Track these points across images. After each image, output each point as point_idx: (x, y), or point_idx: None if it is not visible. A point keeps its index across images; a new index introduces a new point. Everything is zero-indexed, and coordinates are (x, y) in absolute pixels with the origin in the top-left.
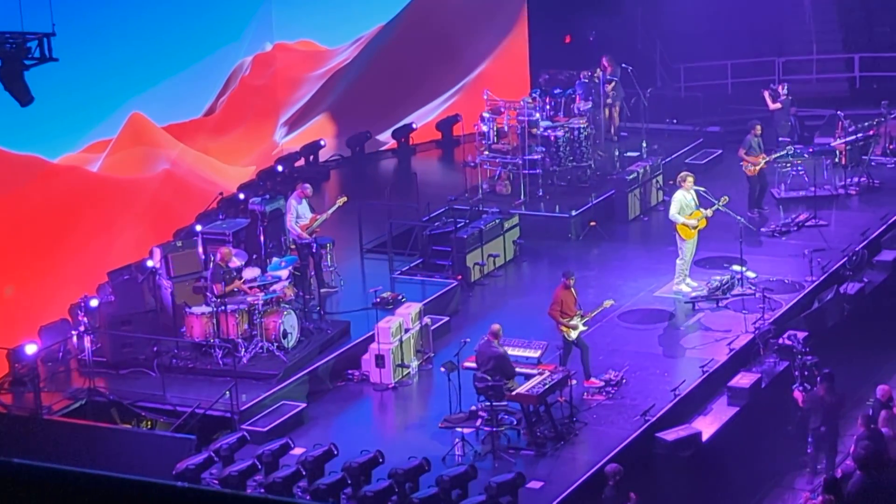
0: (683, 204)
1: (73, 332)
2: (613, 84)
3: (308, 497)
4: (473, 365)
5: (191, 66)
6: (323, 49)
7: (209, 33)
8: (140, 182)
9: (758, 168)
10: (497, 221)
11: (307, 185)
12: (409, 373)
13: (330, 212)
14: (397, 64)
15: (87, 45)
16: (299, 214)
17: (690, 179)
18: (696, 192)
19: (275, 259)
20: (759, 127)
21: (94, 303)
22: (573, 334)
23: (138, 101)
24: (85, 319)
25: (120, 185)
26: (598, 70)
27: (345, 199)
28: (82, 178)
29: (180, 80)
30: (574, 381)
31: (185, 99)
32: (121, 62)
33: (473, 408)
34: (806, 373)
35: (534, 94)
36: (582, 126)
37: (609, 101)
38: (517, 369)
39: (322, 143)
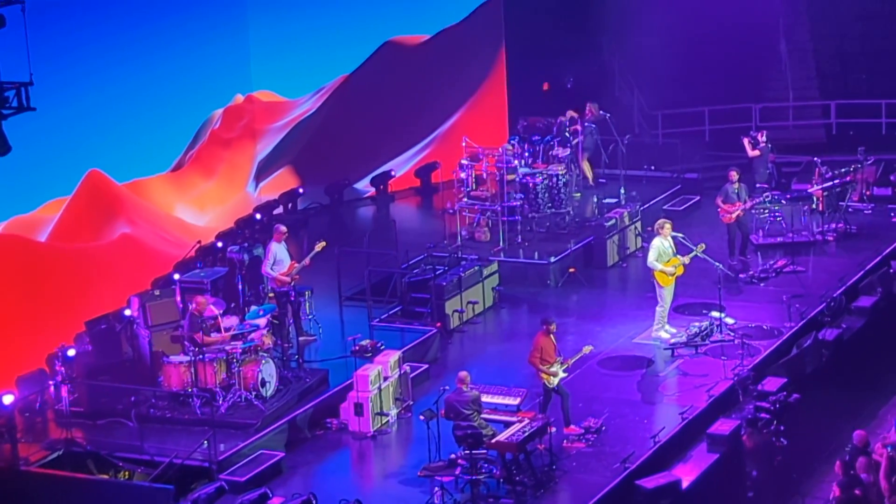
0: (661, 251)
1: (51, 383)
2: (586, 130)
3: None
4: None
5: (158, 119)
6: (283, 100)
7: (178, 87)
8: (92, 251)
9: (734, 215)
10: (476, 268)
11: (282, 227)
12: (388, 421)
13: (309, 257)
14: (375, 112)
15: (46, 98)
16: (277, 259)
17: (668, 226)
18: (675, 238)
19: (253, 307)
20: (734, 174)
21: (71, 352)
22: (553, 381)
23: (99, 157)
24: (62, 369)
25: (71, 255)
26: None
27: (324, 243)
28: (27, 248)
29: (146, 134)
30: (554, 429)
31: (152, 153)
32: (83, 116)
33: (453, 456)
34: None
35: (512, 141)
36: (560, 172)
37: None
38: (496, 417)
39: (300, 190)
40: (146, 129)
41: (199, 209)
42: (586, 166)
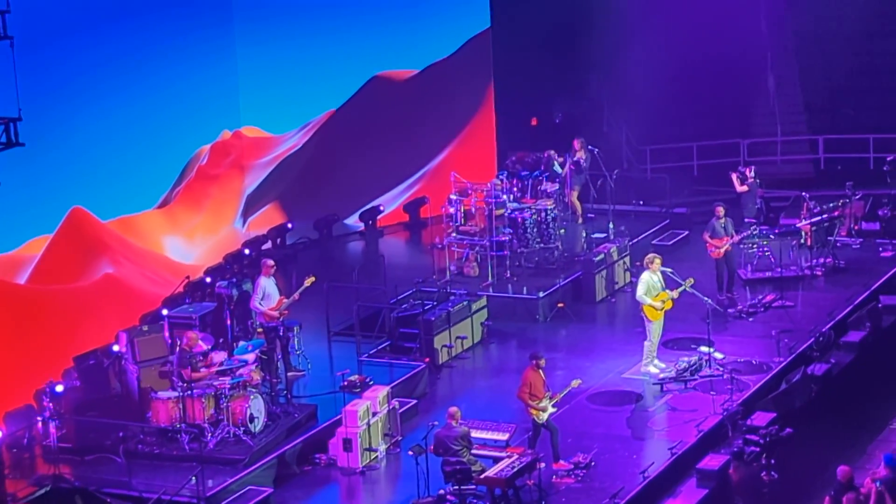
0: (650, 285)
1: (39, 418)
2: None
3: None
4: None
5: (145, 155)
6: (269, 136)
7: (165, 122)
8: (74, 292)
9: (722, 250)
10: (465, 303)
11: (270, 261)
12: (376, 456)
13: (298, 292)
14: (363, 147)
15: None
16: (266, 294)
17: (657, 261)
18: (663, 273)
19: (241, 343)
20: (720, 209)
21: (59, 388)
22: (543, 416)
23: (83, 194)
24: (50, 405)
25: (52, 296)
26: (554, 152)
27: (313, 278)
28: (7, 290)
29: (132, 171)
30: (543, 464)
31: (138, 190)
32: (67, 152)
33: (441, 492)
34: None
35: (501, 176)
36: (549, 207)
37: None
38: (485, 452)
39: (289, 225)
40: (132, 166)
41: (187, 246)
42: (576, 201)
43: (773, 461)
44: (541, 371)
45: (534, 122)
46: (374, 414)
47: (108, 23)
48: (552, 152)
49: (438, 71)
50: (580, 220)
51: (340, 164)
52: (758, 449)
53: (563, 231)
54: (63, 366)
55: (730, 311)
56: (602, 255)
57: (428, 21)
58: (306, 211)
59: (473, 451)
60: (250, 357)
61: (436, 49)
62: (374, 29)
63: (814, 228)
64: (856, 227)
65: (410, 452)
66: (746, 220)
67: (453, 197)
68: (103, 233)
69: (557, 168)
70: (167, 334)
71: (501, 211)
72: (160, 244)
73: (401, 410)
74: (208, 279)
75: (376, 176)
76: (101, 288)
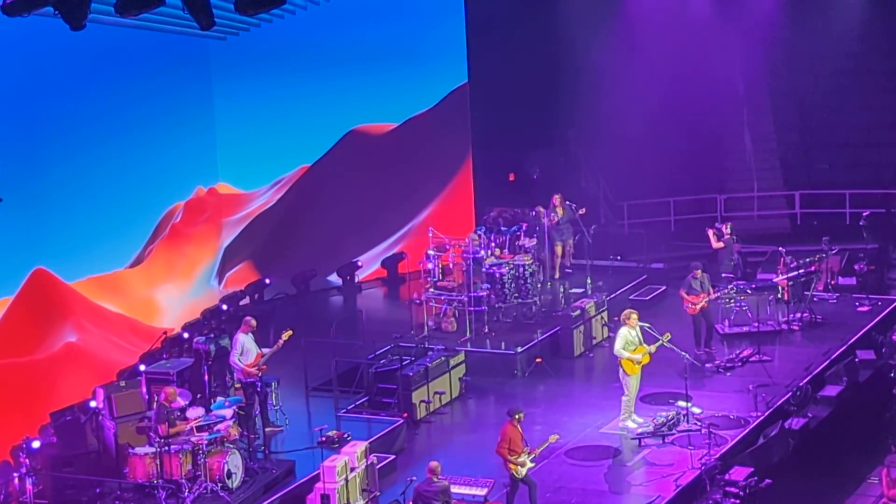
0: (628, 340)
1: (15, 475)
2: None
3: None
4: None
5: (117, 213)
6: (241, 192)
7: (138, 180)
8: (32, 365)
9: (698, 307)
10: (443, 359)
11: (251, 318)
12: None
13: (277, 346)
14: (339, 202)
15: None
16: (245, 349)
17: (635, 316)
18: (641, 328)
19: (219, 398)
20: (698, 272)
21: (35, 444)
22: (521, 471)
23: (49, 254)
24: (27, 461)
25: (8, 369)
26: (541, 209)
27: (290, 332)
28: None
29: (102, 230)
30: None
31: (108, 250)
32: (32, 210)
33: None
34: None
35: (479, 231)
36: (527, 263)
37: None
38: None
39: (266, 281)
40: (104, 224)
41: (160, 305)
42: (556, 256)
43: None
44: (518, 426)
45: (511, 178)
46: (353, 469)
47: (84, 78)
48: (540, 208)
49: (416, 125)
50: (557, 275)
51: (317, 219)
52: (737, 501)
53: (549, 284)
54: (40, 422)
55: (707, 365)
56: (579, 311)
57: (405, 75)
58: (283, 267)
59: None
60: (228, 413)
61: (413, 103)
62: (350, 83)
63: (791, 283)
64: (832, 282)
65: None
66: (724, 275)
67: (431, 252)
68: (67, 295)
69: (554, 215)
70: (144, 390)
71: (479, 266)
72: (132, 304)
73: (379, 466)
74: (186, 335)
75: (352, 231)
76: (63, 358)
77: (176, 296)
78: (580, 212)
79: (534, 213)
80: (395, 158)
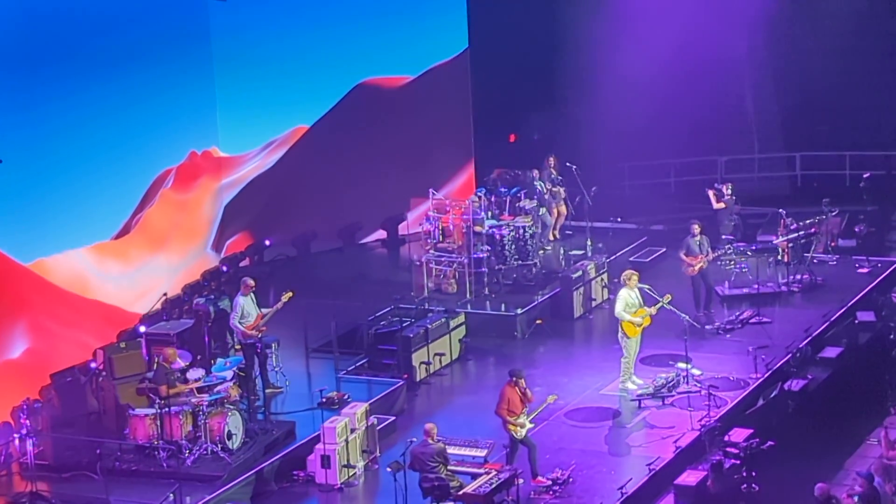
0: (628, 302)
1: (16, 436)
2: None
3: None
4: None
5: (99, 180)
6: (232, 156)
7: (125, 143)
8: None
9: (697, 268)
10: (443, 320)
11: (250, 280)
12: (355, 473)
13: (276, 307)
14: (341, 164)
15: None
16: (245, 312)
17: (635, 278)
18: (641, 290)
19: (219, 360)
20: (696, 227)
21: (37, 405)
22: (521, 433)
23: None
24: (27, 422)
25: None
26: (536, 171)
27: (291, 294)
28: None
29: (82, 199)
30: (521, 480)
31: (93, 220)
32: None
33: None
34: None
35: (479, 193)
36: (527, 224)
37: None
38: (464, 469)
39: (266, 242)
40: (85, 192)
41: (149, 279)
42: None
43: (753, 474)
44: (518, 388)
45: (512, 139)
46: (353, 430)
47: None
48: (536, 172)
49: (418, 86)
50: (553, 237)
51: (316, 181)
52: (738, 462)
53: (547, 250)
54: (41, 383)
55: (707, 327)
56: (580, 272)
57: (408, 35)
58: (283, 228)
59: (452, 468)
60: (228, 374)
61: (417, 62)
62: (358, 37)
63: (791, 245)
64: (832, 244)
65: (389, 469)
66: (724, 236)
67: (431, 214)
68: (24, 281)
69: (539, 186)
70: (145, 351)
71: (480, 228)
72: (115, 281)
73: (379, 427)
74: (186, 296)
75: (353, 192)
76: (20, 370)
77: (165, 268)
78: (574, 169)
79: (533, 174)
80: (396, 119)
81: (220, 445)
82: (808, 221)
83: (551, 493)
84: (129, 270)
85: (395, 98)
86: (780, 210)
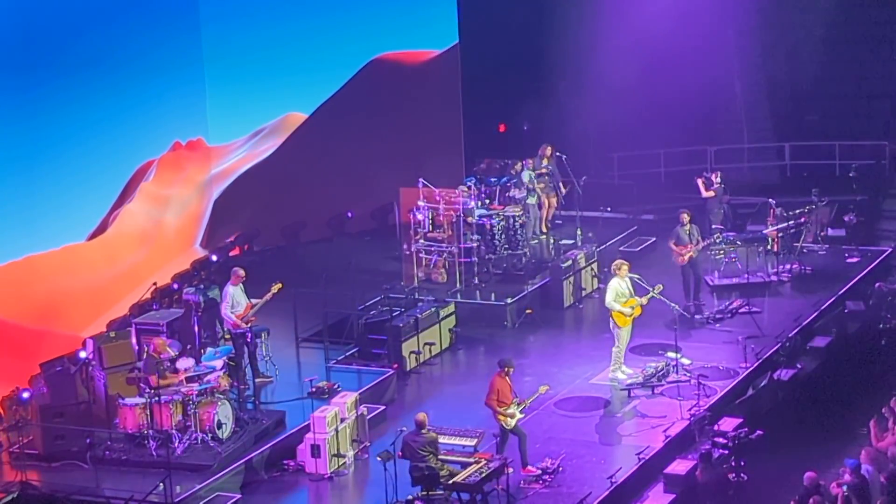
0: (618, 292)
1: (5, 425)
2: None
3: None
4: None
5: (75, 174)
6: (218, 146)
7: (105, 135)
8: None
9: (686, 257)
10: (433, 310)
11: (240, 270)
12: (345, 462)
13: (265, 299)
14: (331, 154)
15: None
16: (235, 301)
17: (625, 267)
18: (631, 279)
19: (209, 349)
20: (685, 216)
21: (26, 395)
22: (511, 422)
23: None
24: (17, 412)
25: None
26: (525, 160)
27: (279, 285)
28: None
29: (59, 194)
30: (511, 470)
31: (67, 218)
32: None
33: (410, 497)
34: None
35: (468, 183)
36: (517, 214)
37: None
38: (454, 458)
39: (257, 232)
40: (57, 189)
41: (126, 283)
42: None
43: (742, 463)
44: (508, 378)
45: (502, 129)
46: (343, 420)
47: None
48: (520, 163)
49: (405, 75)
50: (544, 229)
51: (305, 170)
52: (727, 452)
53: (538, 240)
54: (30, 372)
55: (697, 317)
56: (570, 262)
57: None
58: (272, 218)
59: (442, 457)
60: (218, 363)
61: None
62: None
63: (780, 235)
64: (822, 234)
65: (379, 458)
66: (713, 226)
67: (421, 203)
68: None
69: (526, 177)
70: (134, 341)
71: (469, 217)
72: (88, 285)
73: (369, 416)
74: (175, 285)
75: (342, 182)
76: None
77: (145, 270)
78: (563, 158)
79: (524, 163)
80: (386, 109)
81: (209, 435)
82: (797, 211)
83: (541, 482)
84: (103, 276)
85: (386, 88)
86: (770, 199)
